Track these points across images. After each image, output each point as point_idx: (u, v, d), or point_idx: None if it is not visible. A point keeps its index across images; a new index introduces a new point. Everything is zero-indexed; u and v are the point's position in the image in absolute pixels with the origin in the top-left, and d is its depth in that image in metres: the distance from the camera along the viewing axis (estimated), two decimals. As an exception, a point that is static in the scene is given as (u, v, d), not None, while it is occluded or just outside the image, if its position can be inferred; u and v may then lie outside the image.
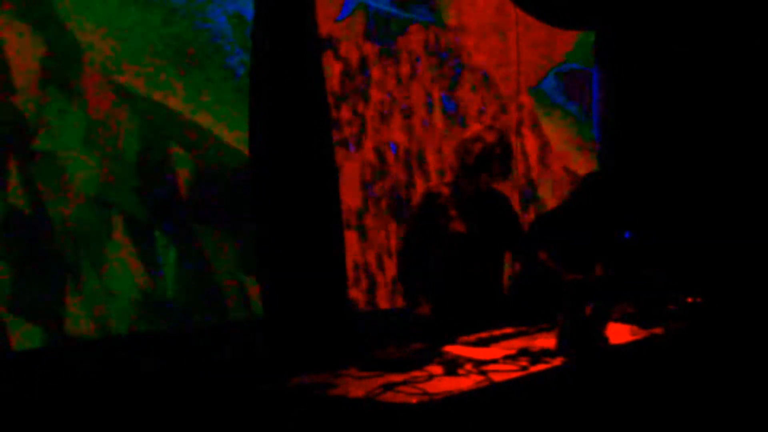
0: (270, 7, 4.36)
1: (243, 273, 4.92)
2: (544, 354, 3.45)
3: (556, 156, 6.99)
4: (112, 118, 4.44)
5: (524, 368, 3.28)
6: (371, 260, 5.72)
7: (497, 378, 3.13)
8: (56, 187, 4.20)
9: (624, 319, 4.26)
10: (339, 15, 5.62)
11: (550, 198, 6.88)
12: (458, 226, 4.29)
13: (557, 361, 3.41)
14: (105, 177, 4.39)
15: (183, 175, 4.74)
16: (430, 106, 6.18)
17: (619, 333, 3.98)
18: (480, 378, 3.12)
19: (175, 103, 4.72)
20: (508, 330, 3.97)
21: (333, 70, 5.52)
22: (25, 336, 4.07)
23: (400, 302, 5.36)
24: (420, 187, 5.94)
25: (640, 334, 4.07)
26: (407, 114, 6.01)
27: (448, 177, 4.53)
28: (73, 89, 4.33)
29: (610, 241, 5.07)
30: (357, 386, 3.04)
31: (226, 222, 4.86)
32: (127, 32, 4.53)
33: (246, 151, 4.44)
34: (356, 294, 5.52)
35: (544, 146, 6.99)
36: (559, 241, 4.70)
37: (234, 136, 4.88)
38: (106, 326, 4.37)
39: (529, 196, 6.74)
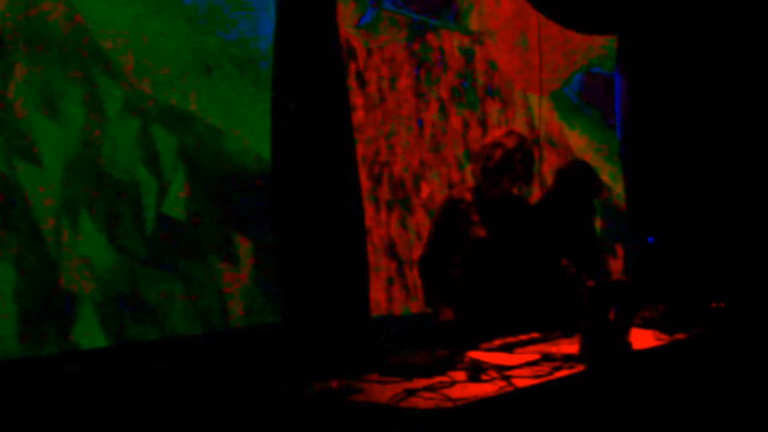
0: (292, 14, 4.38)
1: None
2: (567, 360, 3.44)
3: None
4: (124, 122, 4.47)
5: (547, 374, 3.27)
6: (392, 266, 5.72)
7: (520, 384, 3.12)
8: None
9: (647, 325, 4.24)
10: (360, 20, 5.63)
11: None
12: (480, 232, 4.29)
13: (580, 367, 3.40)
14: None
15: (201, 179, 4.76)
16: (451, 110, 6.18)
17: (642, 338, 3.97)
18: (503, 384, 3.11)
19: (195, 109, 4.74)
20: (531, 335, 3.96)
21: (354, 75, 5.53)
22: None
23: (422, 307, 5.36)
24: (425, 187, 5.94)
25: (664, 339, 4.06)
26: (427, 117, 6.01)
27: (470, 182, 4.52)
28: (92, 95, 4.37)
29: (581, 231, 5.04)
30: (379, 391, 3.04)
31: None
32: (149, 41, 4.56)
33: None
34: (378, 298, 5.52)
35: (566, 151, 6.98)
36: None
37: (254, 141, 4.90)
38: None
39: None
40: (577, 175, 5.00)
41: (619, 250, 7.16)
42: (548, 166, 6.73)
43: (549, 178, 6.78)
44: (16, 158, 4.08)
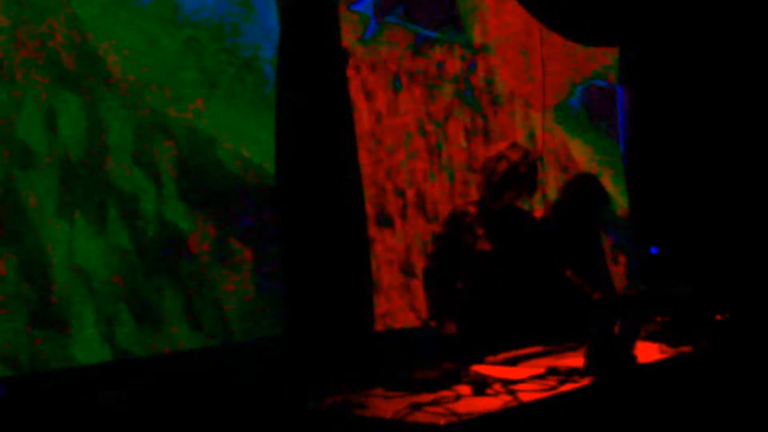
0: (295, 27, 4.39)
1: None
2: (572, 373, 3.42)
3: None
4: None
5: (552, 388, 3.26)
6: (396, 278, 5.71)
7: (526, 398, 3.11)
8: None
9: (652, 337, 4.23)
10: (364, 35, 5.63)
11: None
12: (484, 245, 4.28)
13: (585, 380, 3.38)
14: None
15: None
16: (453, 122, 6.17)
17: (647, 351, 3.95)
18: (508, 398, 3.10)
19: (195, 118, 4.74)
20: (536, 349, 3.94)
21: (357, 87, 5.53)
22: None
23: (425, 321, 5.35)
24: (428, 199, 5.94)
25: (669, 352, 4.04)
26: (430, 129, 6.01)
27: (474, 195, 4.51)
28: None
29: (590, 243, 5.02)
30: (384, 406, 3.03)
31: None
32: (148, 50, 4.57)
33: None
34: (382, 311, 5.50)
35: (570, 163, 6.97)
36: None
37: (254, 152, 4.90)
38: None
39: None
40: (583, 188, 4.99)
41: (623, 261, 7.15)
42: (552, 179, 6.72)
43: (552, 191, 6.77)
44: (14, 166, 4.09)
